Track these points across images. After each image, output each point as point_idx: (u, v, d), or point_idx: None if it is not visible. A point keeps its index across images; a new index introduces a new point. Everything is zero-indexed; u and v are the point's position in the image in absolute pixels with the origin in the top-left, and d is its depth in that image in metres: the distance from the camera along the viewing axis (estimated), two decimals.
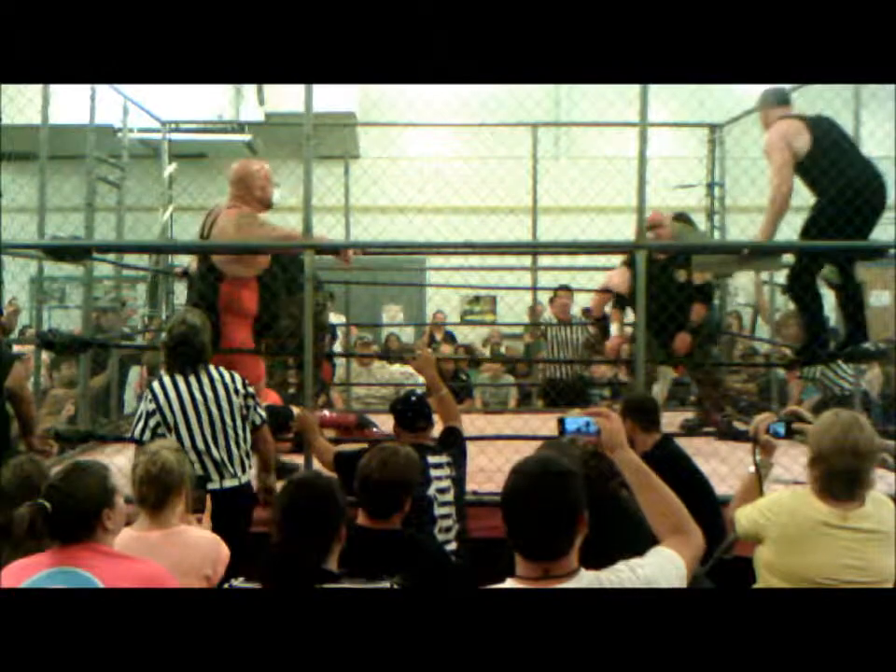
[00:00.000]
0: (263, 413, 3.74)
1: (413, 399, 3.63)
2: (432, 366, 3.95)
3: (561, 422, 2.20)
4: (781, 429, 2.80)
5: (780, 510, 2.54)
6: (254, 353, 4.54)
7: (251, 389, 3.70)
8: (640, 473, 2.09)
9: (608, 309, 6.29)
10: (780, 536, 2.50)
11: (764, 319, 6.78)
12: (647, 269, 4.17)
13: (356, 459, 2.98)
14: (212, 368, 3.64)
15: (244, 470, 3.61)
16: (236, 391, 3.62)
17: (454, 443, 3.66)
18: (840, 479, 2.48)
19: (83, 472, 2.29)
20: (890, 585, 2.45)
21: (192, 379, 3.59)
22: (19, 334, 7.49)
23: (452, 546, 3.35)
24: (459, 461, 3.63)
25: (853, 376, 5.86)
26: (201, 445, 3.53)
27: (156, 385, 3.65)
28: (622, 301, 5.81)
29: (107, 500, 2.29)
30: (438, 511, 3.35)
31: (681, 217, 5.79)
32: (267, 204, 4.46)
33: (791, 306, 7.18)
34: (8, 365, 3.98)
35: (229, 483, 3.55)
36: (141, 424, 3.59)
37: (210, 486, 3.47)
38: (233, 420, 3.59)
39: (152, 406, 3.58)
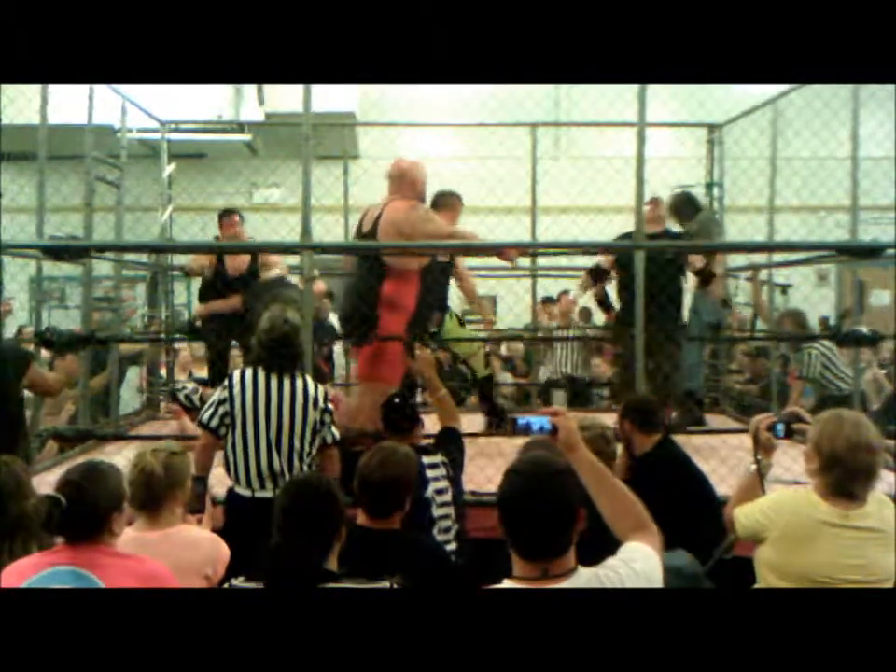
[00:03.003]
0: (336, 433, 3.57)
1: (396, 401, 3.58)
2: (431, 366, 3.97)
3: (513, 421, 2.16)
4: (781, 429, 2.80)
5: (782, 509, 2.54)
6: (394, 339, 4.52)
7: (330, 406, 3.57)
8: (598, 473, 2.06)
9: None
10: (782, 535, 2.50)
11: (764, 318, 6.79)
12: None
13: (355, 459, 2.98)
14: (299, 375, 3.51)
15: None
16: (315, 403, 3.47)
17: (450, 443, 3.66)
18: (859, 477, 2.47)
19: (100, 473, 2.30)
20: (891, 585, 2.45)
21: (275, 380, 3.46)
22: (16, 334, 7.49)
23: (451, 546, 3.35)
24: (457, 460, 3.62)
25: (851, 377, 5.87)
26: (263, 448, 3.40)
27: (237, 374, 3.53)
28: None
29: (119, 504, 2.30)
30: (436, 512, 3.34)
31: (690, 200, 5.79)
32: (423, 199, 4.56)
33: (792, 304, 7.22)
34: (15, 364, 4.03)
35: None
36: (211, 410, 3.49)
37: (261, 494, 3.39)
38: (302, 432, 3.44)
39: (225, 395, 3.47)
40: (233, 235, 5.79)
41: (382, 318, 4.37)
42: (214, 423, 3.47)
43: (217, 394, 3.53)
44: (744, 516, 2.64)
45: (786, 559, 2.49)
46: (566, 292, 7.28)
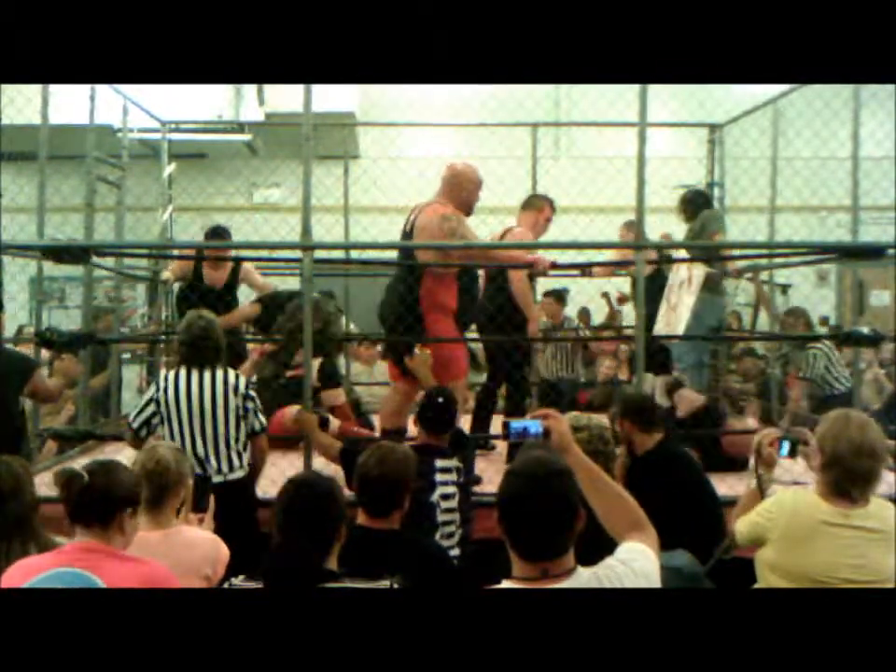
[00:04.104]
0: (264, 421, 3.71)
1: (440, 400, 3.57)
2: (427, 366, 3.97)
3: (506, 425, 2.15)
4: (786, 447, 2.79)
5: (782, 509, 2.54)
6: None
7: (252, 392, 3.68)
8: (593, 473, 2.06)
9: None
10: (782, 535, 2.50)
11: (767, 311, 6.78)
12: None
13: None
14: (220, 369, 3.64)
15: (231, 469, 3.57)
16: (235, 390, 3.60)
17: (462, 446, 3.64)
18: (858, 480, 2.47)
19: (121, 467, 2.34)
20: (891, 585, 2.45)
21: (196, 374, 3.59)
22: (16, 333, 7.49)
23: (455, 552, 3.33)
24: (470, 461, 3.61)
25: (847, 378, 5.90)
26: (187, 437, 3.55)
27: (162, 375, 3.70)
28: None
29: (134, 500, 2.31)
30: (440, 517, 3.32)
31: (698, 198, 5.77)
32: (469, 208, 4.56)
33: (792, 304, 7.22)
34: (20, 373, 4.05)
35: (213, 479, 3.51)
36: (137, 411, 3.67)
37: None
38: (225, 417, 3.57)
39: (151, 395, 3.64)
40: (220, 255, 5.54)
41: (428, 319, 4.39)
42: (137, 423, 3.63)
43: (145, 396, 3.70)
44: (743, 524, 2.65)
45: (786, 559, 2.48)
46: (548, 293, 7.26)
